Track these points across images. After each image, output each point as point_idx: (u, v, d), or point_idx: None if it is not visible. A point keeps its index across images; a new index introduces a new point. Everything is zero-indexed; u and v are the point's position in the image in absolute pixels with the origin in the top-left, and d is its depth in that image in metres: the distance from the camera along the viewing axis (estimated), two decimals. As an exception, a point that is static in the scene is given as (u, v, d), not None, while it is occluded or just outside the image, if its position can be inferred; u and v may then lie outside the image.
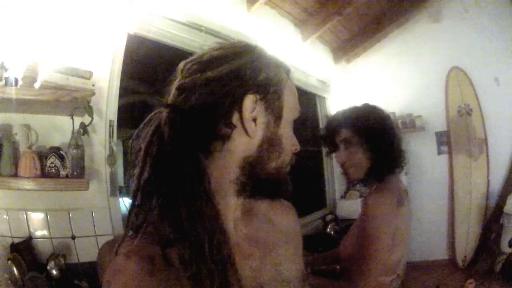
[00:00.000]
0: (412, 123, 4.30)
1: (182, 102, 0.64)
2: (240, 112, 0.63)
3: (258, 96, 0.64)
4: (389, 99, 4.47)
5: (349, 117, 1.43)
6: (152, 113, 0.64)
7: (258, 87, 0.64)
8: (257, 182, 0.67)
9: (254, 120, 0.64)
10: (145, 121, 0.64)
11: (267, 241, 0.72)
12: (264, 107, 0.66)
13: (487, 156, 4.03)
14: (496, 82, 3.96)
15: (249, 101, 0.63)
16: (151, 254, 0.56)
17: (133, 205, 0.60)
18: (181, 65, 0.68)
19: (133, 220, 0.60)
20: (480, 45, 4.02)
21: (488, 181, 4.00)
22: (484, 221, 3.96)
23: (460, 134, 4.17)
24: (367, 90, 4.64)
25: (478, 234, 3.98)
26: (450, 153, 4.23)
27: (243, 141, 0.64)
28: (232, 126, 0.63)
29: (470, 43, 4.08)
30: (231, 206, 0.68)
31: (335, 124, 1.46)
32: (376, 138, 1.36)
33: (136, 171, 0.60)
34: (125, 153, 2.25)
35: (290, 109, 0.71)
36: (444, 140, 4.29)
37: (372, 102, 4.22)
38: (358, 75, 4.81)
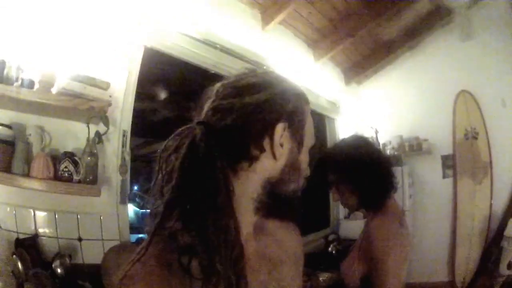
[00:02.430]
0: (418, 146, 4.30)
1: (216, 121, 0.69)
2: (271, 137, 0.70)
3: (286, 124, 0.71)
4: (397, 122, 4.52)
5: (333, 160, 1.50)
6: (183, 128, 0.68)
7: (288, 116, 0.72)
8: (276, 201, 0.74)
9: (281, 145, 0.71)
10: (174, 134, 0.68)
11: (273, 258, 0.77)
12: (290, 134, 0.72)
13: (491, 179, 4.01)
14: (502, 103, 3.96)
15: (279, 128, 0.70)
16: (168, 261, 0.59)
17: (165, 213, 0.63)
18: (217, 86, 0.74)
19: (160, 229, 0.62)
20: (488, 68, 4.03)
21: (491, 205, 3.97)
22: (485, 244, 3.93)
23: (466, 157, 4.16)
24: (376, 112, 4.67)
25: (479, 257, 3.94)
26: (455, 176, 4.22)
27: (269, 163, 0.71)
28: (262, 149, 0.69)
29: (478, 66, 4.09)
30: (247, 222, 0.73)
31: (323, 167, 1.52)
32: (360, 178, 1.41)
33: (170, 181, 0.64)
34: (133, 161, 2.30)
35: (309, 137, 0.78)
36: (450, 164, 4.28)
37: (380, 124, 4.26)
38: (367, 97, 4.85)
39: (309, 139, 0.78)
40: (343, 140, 1.60)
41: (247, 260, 0.67)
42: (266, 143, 0.70)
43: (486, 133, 4.08)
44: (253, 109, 0.68)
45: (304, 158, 0.76)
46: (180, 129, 0.68)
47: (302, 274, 0.89)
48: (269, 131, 0.70)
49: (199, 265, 0.58)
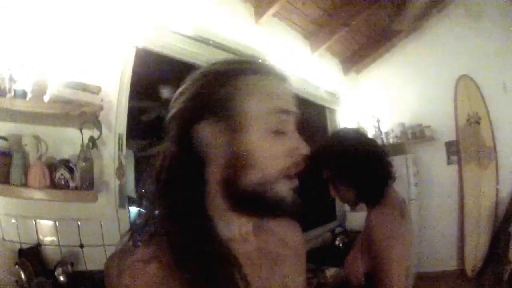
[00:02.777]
0: (421, 133, 4.28)
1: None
2: (197, 140, 0.65)
3: (211, 120, 0.64)
4: (399, 109, 4.48)
5: (326, 155, 1.44)
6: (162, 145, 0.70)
7: (211, 110, 0.64)
8: (239, 199, 0.65)
9: (214, 143, 0.64)
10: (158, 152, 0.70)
11: (275, 254, 0.75)
12: (222, 127, 0.64)
13: (496, 164, 3.99)
14: (504, 89, 3.93)
15: (201, 128, 0.64)
16: (169, 259, 0.59)
17: (147, 212, 0.66)
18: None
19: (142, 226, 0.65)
20: (488, 52, 4.00)
21: (497, 190, 3.95)
22: (493, 230, 3.91)
23: (469, 143, 4.13)
24: (377, 101, 4.64)
25: (488, 243, 3.93)
26: (459, 162, 4.20)
27: (213, 164, 0.65)
28: (199, 153, 0.66)
29: (478, 50, 4.06)
30: (234, 220, 0.69)
31: (317, 164, 1.46)
32: (354, 171, 1.36)
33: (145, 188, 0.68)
34: (136, 163, 2.28)
35: (261, 117, 0.64)
36: (454, 150, 4.26)
37: (381, 113, 4.23)
38: (367, 86, 4.82)
39: (261, 120, 0.64)
40: (334, 133, 1.56)
41: (248, 256, 0.68)
42: (195, 147, 0.65)
43: (489, 117, 4.05)
44: (173, 118, 0.67)
45: (259, 144, 0.63)
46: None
47: (306, 271, 0.87)
48: (188, 136, 0.65)
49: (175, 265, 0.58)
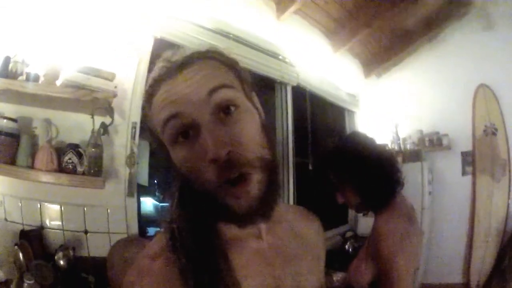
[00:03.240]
0: (439, 141, 4.18)
1: None
2: None
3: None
4: (417, 116, 4.38)
5: (332, 162, 1.42)
6: None
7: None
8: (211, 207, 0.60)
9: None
10: None
11: (290, 251, 0.71)
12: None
13: (509, 178, 3.86)
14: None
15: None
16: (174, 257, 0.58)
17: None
18: None
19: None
20: (507, 62, 3.86)
21: (509, 204, 3.83)
22: (500, 246, 3.81)
23: (485, 154, 4.02)
24: (396, 106, 4.55)
25: (494, 258, 3.82)
26: (474, 174, 4.08)
27: None
28: None
29: (498, 60, 3.93)
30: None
31: (323, 169, 1.45)
32: (360, 178, 1.33)
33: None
34: (151, 154, 2.27)
35: (160, 129, 0.60)
36: (469, 161, 4.14)
37: (400, 118, 4.13)
38: (387, 90, 4.72)
39: (160, 132, 0.60)
40: (342, 137, 1.55)
41: (261, 253, 0.66)
42: None
43: (505, 129, 3.94)
44: None
45: (172, 155, 0.61)
46: None
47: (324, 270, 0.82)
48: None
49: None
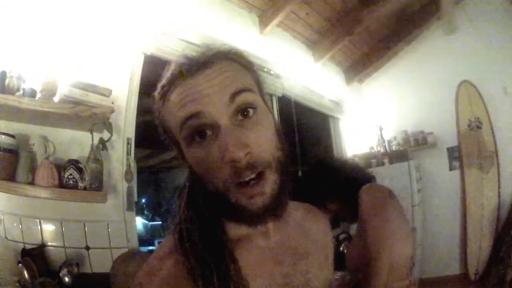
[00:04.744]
0: (424, 140, 4.31)
1: None
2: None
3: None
4: (401, 117, 4.52)
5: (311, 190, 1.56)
6: None
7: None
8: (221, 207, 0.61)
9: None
10: None
11: (298, 248, 0.72)
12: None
13: (498, 168, 4.00)
14: (504, 93, 3.96)
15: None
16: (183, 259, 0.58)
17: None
18: None
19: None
20: (488, 57, 4.04)
21: (500, 193, 3.95)
22: (496, 233, 3.90)
23: (471, 148, 4.15)
24: (379, 109, 4.68)
25: (490, 247, 3.91)
26: (461, 168, 4.20)
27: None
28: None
29: (478, 56, 4.11)
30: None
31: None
32: (333, 194, 1.54)
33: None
34: (138, 172, 2.28)
35: (175, 128, 0.61)
36: (456, 155, 4.28)
37: (384, 121, 4.25)
38: (370, 94, 4.86)
39: (177, 132, 0.61)
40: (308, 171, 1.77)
41: (269, 252, 0.67)
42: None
43: (490, 122, 4.08)
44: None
45: (188, 155, 0.62)
46: None
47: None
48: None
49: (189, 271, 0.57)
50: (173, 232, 0.63)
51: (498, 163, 3.99)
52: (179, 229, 0.62)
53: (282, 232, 0.71)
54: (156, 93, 0.63)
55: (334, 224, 4.15)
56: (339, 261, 3.14)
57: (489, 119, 4.07)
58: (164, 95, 0.62)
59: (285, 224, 0.73)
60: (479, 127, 4.10)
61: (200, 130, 0.58)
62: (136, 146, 2.17)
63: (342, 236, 3.61)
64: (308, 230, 0.78)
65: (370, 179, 1.54)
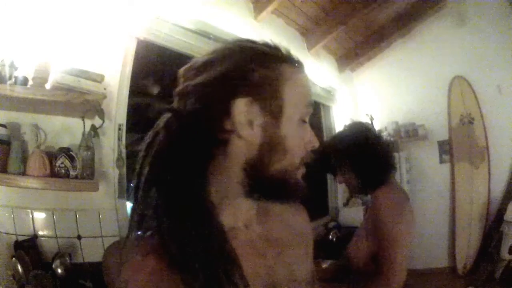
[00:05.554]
0: (415, 132, 4.34)
1: (181, 107, 0.65)
2: (232, 116, 0.61)
3: (250, 98, 0.61)
4: (392, 108, 4.53)
5: (335, 145, 1.57)
6: (160, 119, 0.65)
7: (250, 88, 0.62)
8: (263, 184, 0.65)
9: (251, 123, 0.62)
10: (154, 127, 0.65)
11: (280, 241, 0.73)
12: (259, 108, 0.62)
13: (489, 164, 4.04)
14: (498, 90, 3.98)
15: (239, 104, 0.61)
16: (165, 254, 0.57)
17: (134, 203, 0.62)
18: (180, 71, 0.68)
19: (137, 219, 0.61)
20: (482, 54, 4.04)
21: (489, 189, 4.00)
22: (485, 229, 3.97)
23: (462, 142, 4.19)
24: (371, 99, 4.68)
25: (479, 242, 3.98)
26: (452, 162, 4.25)
27: (243, 145, 0.63)
28: (227, 131, 0.62)
29: (473, 52, 4.11)
30: (241, 207, 0.68)
31: (327, 152, 1.57)
32: (357, 159, 1.48)
33: (136, 169, 0.62)
34: (127, 157, 2.26)
35: (295, 105, 0.65)
36: (446, 149, 4.31)
37: (375, 111, 4.27)
38: (362, 84, 4.86)
39: (296, 108, 0.65)
40: (344, 126, 1.68)
41: (251, 245, 0.67)
42: (229, 123, 0.62)
43: (482, 118, 4.10)
44: (205, 88, 0.62)
45: (291, 132, 0.64)
46: (159, 119, 0.65)
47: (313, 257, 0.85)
48: (224, 110, 0.61)
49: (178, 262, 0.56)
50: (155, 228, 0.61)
51: (489, 159, 4.04)
52: (160, 224, 0.59)
53: (264, 225, 0.72)
54: (286, 66, 0.67)
55: (323, 212, 4.21)
56: (328, 249, 3.19)
57: (482, 115, 4.09)
58: (292, 69, 0.67)
59: (266, 216, 0.74)
60: (471, 123, 4.13)
61: (307, 118, 0.69)
62: (126, 131, 2.15)
63: (331, 224, 3.66)
64: (288, 222, 0.79)
65: (394, 168, 1.55)
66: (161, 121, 0.64)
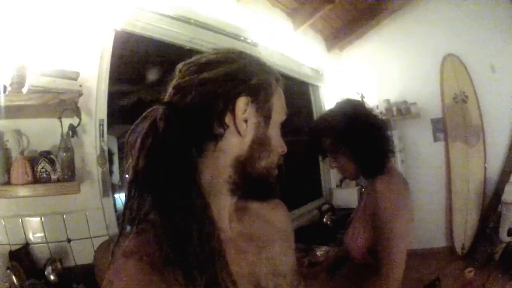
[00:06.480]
0: (407, 110, 4.30)
1: (178, 100, 0.66)
2: (233, 112, 0.66)
3: (250, 98, 0.67)
4: (383, 86, 4.48)
5: (328, 125, 1.44)
6: (149, 110, 0.66)
7: (250, 90, 0.68)
8: (249, 181, 0.70)
9: (246, 121, 0.67)
10: (141, 116, 0.66)
11: (261, 237, 0.76)
12: (255, 109, 0.69)
13: (484, 143, 4.04)
14: (491, 69, 3.94)
15: (241, 102, 0.66)
16: (149, 253, 0.57)
17: (128, 196, 0.62)
18: (179, 66, 0.72)
19: (128, 214, 0.62)
20: (475, 32, 3.99)
21: (485, 168, 4.01)
22: (482, 209, 3.98)
23: (456, 121, 4.17)
24: (361, 77, 4.62)
25: (476, 222, 4.01)
26: (446, 140, 4.24)
27: (235, 141, 0.67)
28: (225, 126, 0.65)
29: (465, 30, 4.06)
30: (226, 204, 0.71)
31: (317, 133, 1.47)
32: (357, 143, 1.37)
33: (131, 162, 0.63)
34: (120, 149, 2.22)
35: (278, 112, 0.74)
36: (440, 127, 4.29)
37: (366, 89, 4.18)
38: (351, 62, 4.79)
39: (278, 114, 0.74)
40: (337, 105, 1.53)
41: (232, 242, 0.69)
42: (228, 119, 0.66)
43: (476, 96, 4.07)
44: (211, 84, 0.66)
45: (274, 133, 0.73)
46: (147, 111, 0.66)
47: (296, 250, 0.88)
48: (229, 106, 0.66)
49: (169, 256, 0.56)
50: (137, 227, 0.62)
51: (484, 138, 4.02)
52: (157, 221, 0.60)
53: (245, 223, 0.76)
54: (272, 78, 0.75)
55: (316, 194, 4.21)
56: (323, 234, 3.18)
57: (475, 93, 4.07)
58: (276, 82, 0.75)
59: (245, 214, 0.77)
60: (464, 101, 4.11)
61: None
62: (116, 123, 2.12)
63: (325, 207, 3.65)
64: (268, 218, 0.82)
65: (392, 152, 1.44)
66: (154, 113, 0.65)
